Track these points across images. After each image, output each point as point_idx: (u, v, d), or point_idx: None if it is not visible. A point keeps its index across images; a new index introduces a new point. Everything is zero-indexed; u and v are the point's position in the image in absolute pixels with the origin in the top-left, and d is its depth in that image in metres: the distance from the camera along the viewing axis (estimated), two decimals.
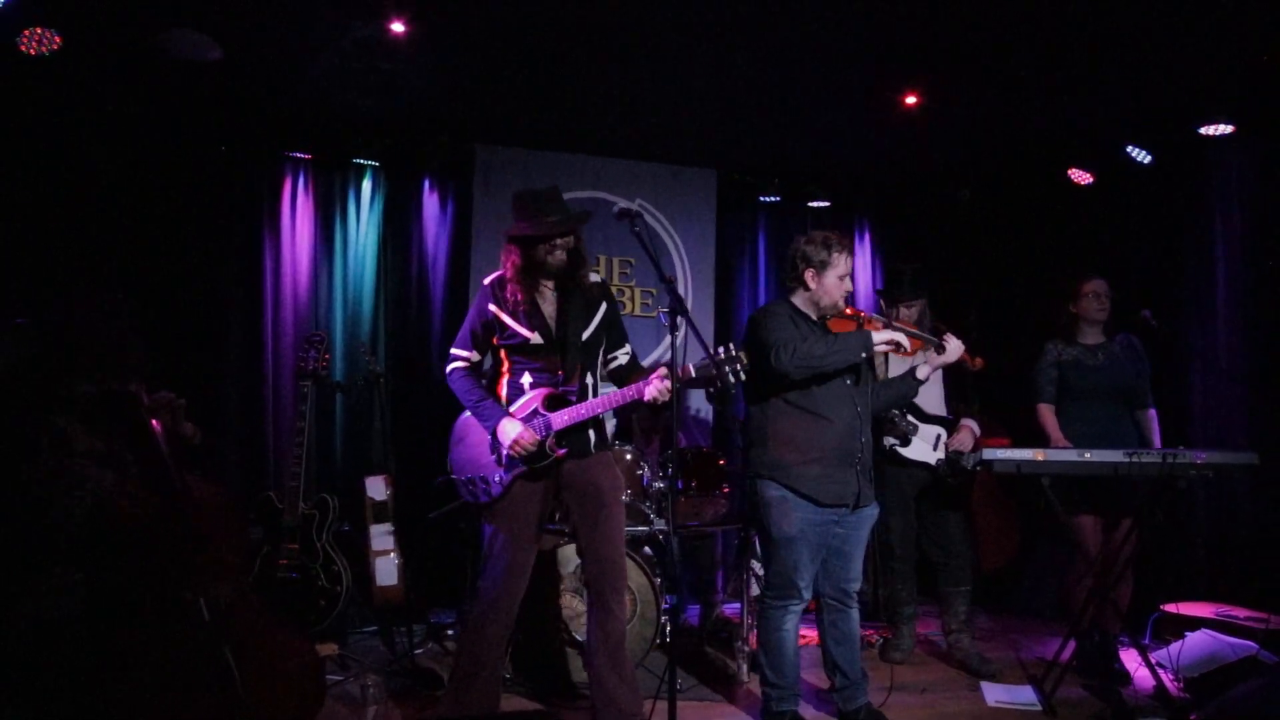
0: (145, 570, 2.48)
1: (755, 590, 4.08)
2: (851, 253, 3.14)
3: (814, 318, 3.15)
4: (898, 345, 3.03)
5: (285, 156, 4.94)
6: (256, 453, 4.79)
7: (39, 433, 2.38)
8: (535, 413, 2.87)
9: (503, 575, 2.88)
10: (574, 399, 2.88)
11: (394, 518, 4.19)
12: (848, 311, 3.14)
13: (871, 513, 3.18)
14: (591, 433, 2.94)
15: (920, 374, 3.21)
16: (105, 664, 2.38)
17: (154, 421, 2.57)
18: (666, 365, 2.70)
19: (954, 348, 3.17)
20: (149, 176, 4.51)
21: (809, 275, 3.10)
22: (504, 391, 2.98)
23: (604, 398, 2.86)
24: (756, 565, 4.15)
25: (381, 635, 4.28)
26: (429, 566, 4.55)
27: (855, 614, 3.22)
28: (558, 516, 3.49)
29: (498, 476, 2.89)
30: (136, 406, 2.53)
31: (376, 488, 4.22)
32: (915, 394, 3.33)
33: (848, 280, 3.11)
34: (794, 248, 3.16)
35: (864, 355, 3.01)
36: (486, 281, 3.00)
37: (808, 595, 3.11)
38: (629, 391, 2.81)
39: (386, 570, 4.12)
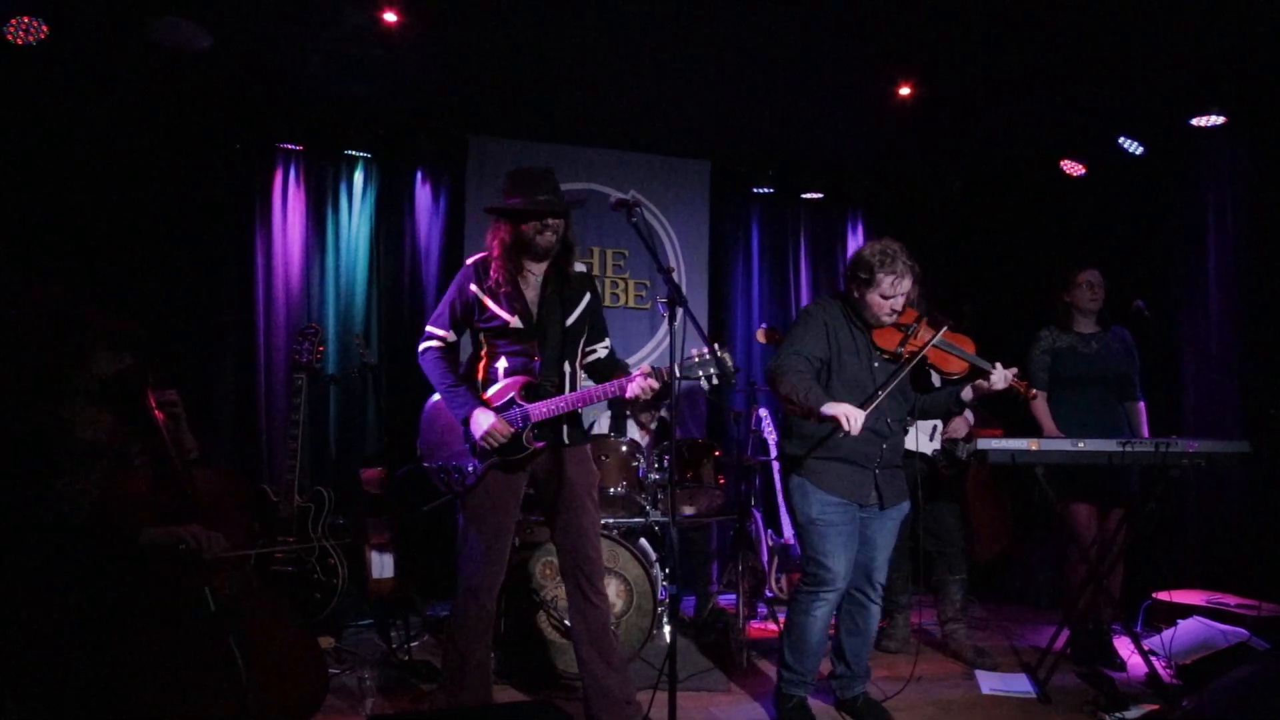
0: (151, 560, 2.47)
1: (751, 581, 4.09)
2: (903, 275, 2.94)
3: (862, 322, 3.07)
4: (842, 421, 2.73)
5: (277, 148, 4.90)
6: (250, 446, 4.76)
7: (43, 423, 2.36)
8: (512, 402, 2.80)
9: (480, 565, 2.86)
10: (552, 389, 2.83)
11: (389, 510, 4.18)
12: (899, 325, 3.04)
13: (898, 510, 3.14)
14: (566, 425, 2.88)
15: (965, 395, 3.08)
16: (113, 654, 2.36)
17: (160, 417, 2.57)
18: (652, 366, 2.69)
19: (1001, 376, 2.98)
20: (138, 167, 4.46)
21: (855, 288, 3.04)
22: (481, 375, 2.91)
23: (585, 392, 2.81)
24: (752, 556, 4.17)
25: (377, 628, 4.26)
26: (424, 559, 4.54)
27: (876, 611, 3.19)
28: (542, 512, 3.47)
29: (470, 466, 2.82)
30: (145, 390, 2.52)
31: (372, 481, 4.20)
32: (960, 412, 3.27)
33: (896, 300, 2.98)
34: (858, 252, 3.07)
35: (823, 411, 2.79)
36: (470, 261, 2.94)
37: (841, 585, 3.03)
38: (610, 387, 2.77)
39: (382, 564, 4.11)
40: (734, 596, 4.00)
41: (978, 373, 3.05)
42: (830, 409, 2.74)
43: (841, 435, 2.75)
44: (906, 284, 2.97)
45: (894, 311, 3.01)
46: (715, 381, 2.63)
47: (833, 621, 3.16)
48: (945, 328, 3.08)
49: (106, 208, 4.35)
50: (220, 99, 4.56)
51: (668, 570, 3.87)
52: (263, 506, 4.00)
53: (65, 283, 2.53)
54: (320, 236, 5.02)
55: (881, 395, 2.91)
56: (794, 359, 2.98)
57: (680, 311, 2.55)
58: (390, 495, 4.20)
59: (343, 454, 4.90)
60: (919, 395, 3.22)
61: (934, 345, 3.00)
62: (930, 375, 3.25)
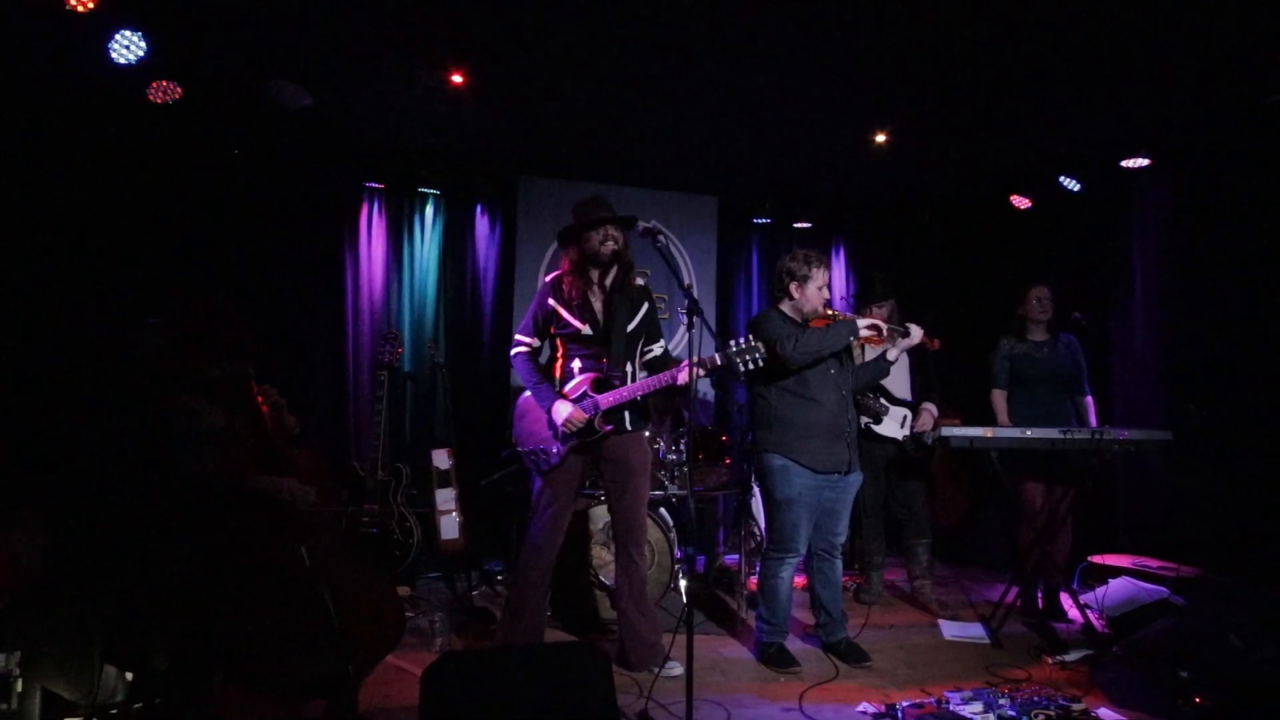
0: (256, 523, 2.53)
1: (752, 544, 4.12)
2: (827, 266, 3.20)
3: (798, 321, 3.18)
4: (877, 329, 3.10)
5: (363, 186, 4.98)
6: (341, 430, 4.83)
7: (172, 409, 2.43)
8: (585, 394, 2.87)
9: (547, 527, 2.92)
10: (618, 383, 2.88)
11: (455, 483, 4.24)
12: (827, 313, 3.17)
13: (857, 478, 3.19)
14: (628, 412, 2.93)
15: (890, 356, 3.24)
16: (227, 604, 2.42)
17: (263, 406, 2.63)
18: (700, 357, 2.72)
19: (916, 333, 3.20)
20: (253, 203, 4.55)
21: (793, 287, 3.14)
22: (558, 374, 2.98)
23: (642, 382, 2.86)
24: (752, 523, 4.19)
25: (445, 580, 4.34)
26: (483, 523, 4.59)
27: (839, 564, 3.25)
28: (587, 482, 3.51)
29: (555, 449, 2.90)
30: (249, 385, 2.59)
31: (441, 459, 4.26)
32: (887, 374, 3.35)
33: (825, 290, 3.15)
34: (779, 265, 3.20)
35: (852, 338, 3.07)
36: (548, 279, 3.00)
37: (803, 551, 3.12)
38: (664, 377, 2.82)
39: (449, 527, 4.17)
40: (737, 557, 4.03)
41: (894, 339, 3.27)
42: (865, 321, 3.08)
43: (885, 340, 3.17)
44: (828, 274, 3.20)
45: (826, 299, 3.16)
46: (760, 364, 2.70)
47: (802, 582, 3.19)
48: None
49: (226, 237, 4.44)
50: (317, 146, 4.64)
51: (682, 534, 3.91)
52: (352, 479, 4.09)
53: (215, 298, 2.59)
54: (398, 259, 5.09)
55: (875, 324, 3.17)
56: (791, 335, 3.02)
57: (697, 320, 2.60)
58: (456, 471, 4.27)
59: (416, 437, 4.94)
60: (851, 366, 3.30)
61: None
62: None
